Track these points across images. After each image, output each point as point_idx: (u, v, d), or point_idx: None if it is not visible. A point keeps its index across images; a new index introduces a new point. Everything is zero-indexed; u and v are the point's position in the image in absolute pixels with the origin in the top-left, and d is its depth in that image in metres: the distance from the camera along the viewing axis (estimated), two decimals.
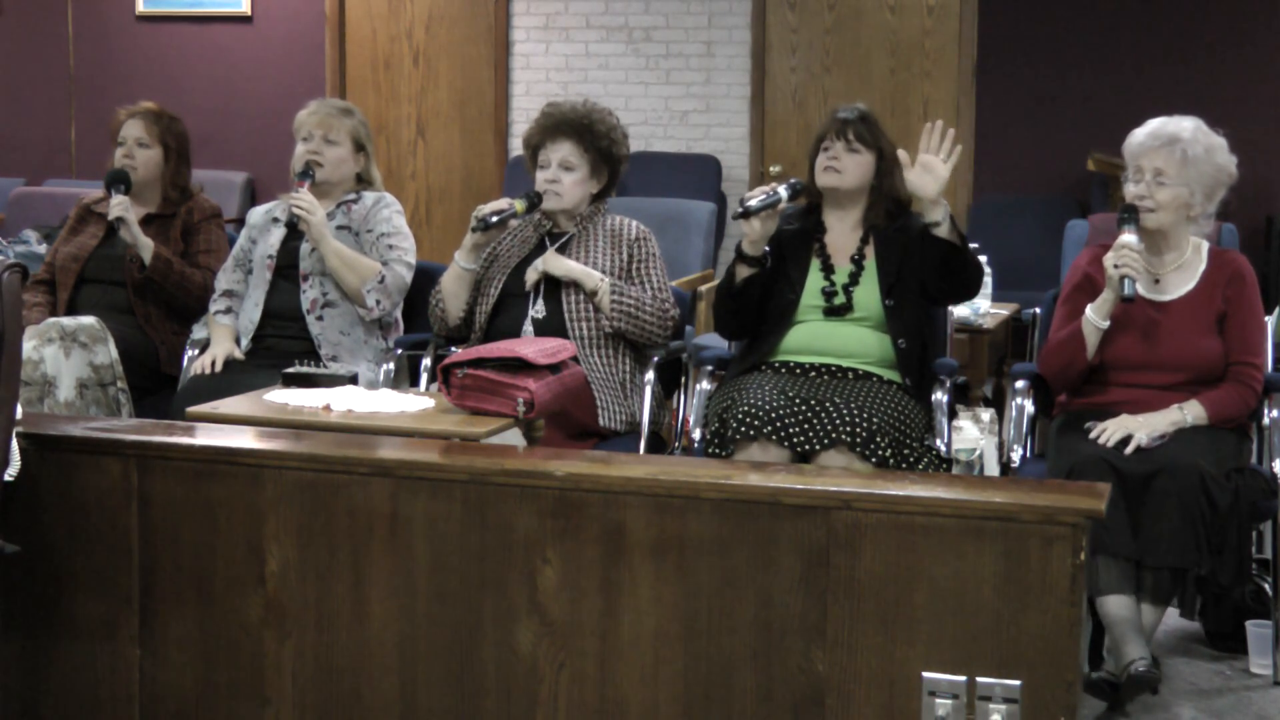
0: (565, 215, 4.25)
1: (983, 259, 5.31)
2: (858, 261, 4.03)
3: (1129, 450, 3.67)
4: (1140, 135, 3.92)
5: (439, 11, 8.68)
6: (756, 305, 4.02)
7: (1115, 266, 3.77)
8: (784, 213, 3.99)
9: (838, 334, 3.97)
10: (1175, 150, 3.86)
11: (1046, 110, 7.70)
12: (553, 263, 4.10)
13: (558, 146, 4.22)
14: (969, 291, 4.05)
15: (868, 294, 3.98)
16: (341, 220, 4.53)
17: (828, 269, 4.03)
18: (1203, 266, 3.95)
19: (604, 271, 4.14)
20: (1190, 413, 3.77)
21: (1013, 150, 7.72)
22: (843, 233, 4.08)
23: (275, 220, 4.59)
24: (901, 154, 3.86)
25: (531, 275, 4.12)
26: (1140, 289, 3.88)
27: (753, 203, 3.87)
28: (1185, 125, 3.90)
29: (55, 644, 3.11)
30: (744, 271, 3.96)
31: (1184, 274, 3.94)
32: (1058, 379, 3.98)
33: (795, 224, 4.10)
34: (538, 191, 4.24)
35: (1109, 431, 3.71)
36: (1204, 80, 7.40)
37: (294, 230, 4.48)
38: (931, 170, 3.81)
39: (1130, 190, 3.90)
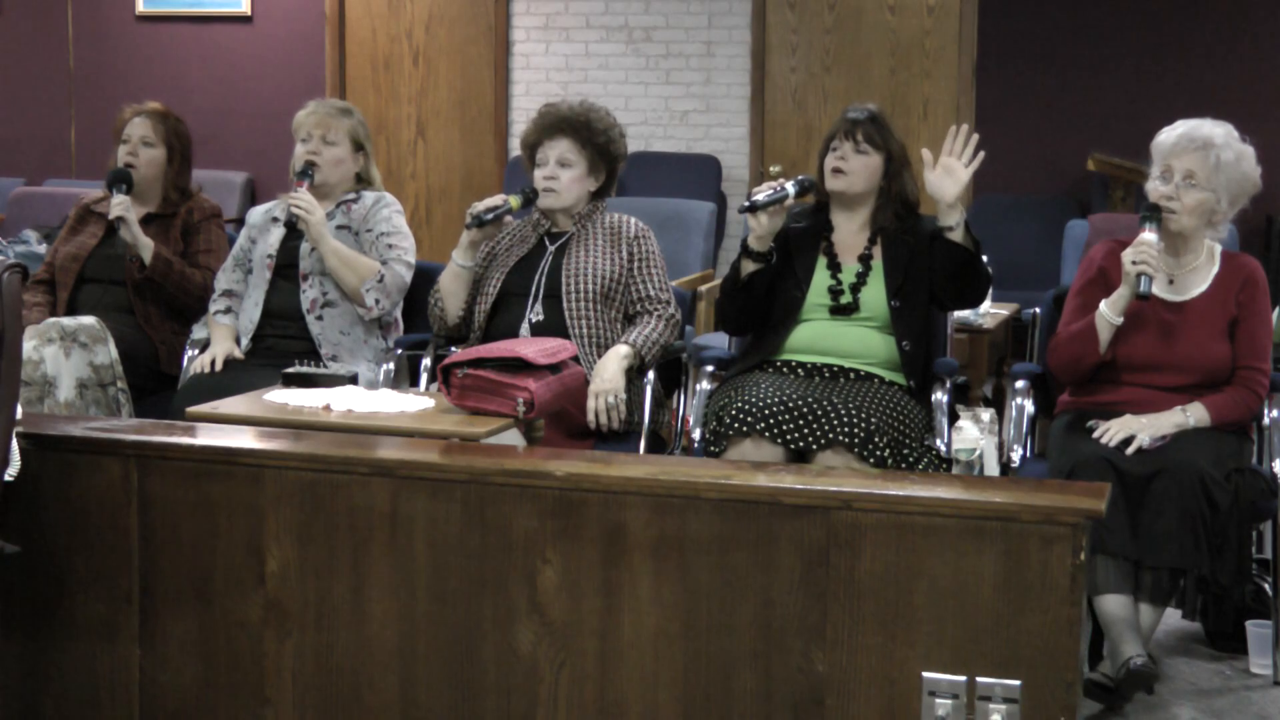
0: (564, 214, 4.25)
1: (983, 259, 5.32)
2: (865, 261, 4.03)
3: (1130, 450, 3.67)
4: (1172, 136, 3.90)
5: (439, 11, 8.68)
6: (761, 301, 4.02)
7: (1133, 263, 3.76)
8: (792, 210, 3.99)
9: (843, 334, 3.97)
10: (1209, 155, 3.85)
11: (1046, 110, 7.70)
12: (600, 388, 3.96)
13: (555, 144, 4.23)
14: (976, 299, 4.05)
15: (874, 295, 3.98)
16: (341, 220, 4.53)
17: (834, 267, 4.03)
18: (1215, 269, 3.95)
19: (604, 271, 4.14)
20: (1193, 415, 3.77)
21: (1013, 150, 7.72)
22: (850, 232, 4.08)
23: (274, 220, 4.59)
24: (925, 154, 3.86)
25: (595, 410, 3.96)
26: (1154, 289, 3.87)
27: (759, 198, 3.87)
28: (1218, 131, 3.88)
29: (55, 644, 3.11)
30: (749, 267, 3.96)
31: (1197, 276, 3.94)
32: (1065, 372, 3.97)
33: (803, 222, 4.10)
34: (533, 187, 4.24)
35: (1112, 431, 3.71)
36: (1204, 80, 7.40)
37: (293, 230, 4.48)
38: (952, 173, 3.81)
39: (1158, 189, 3.88)
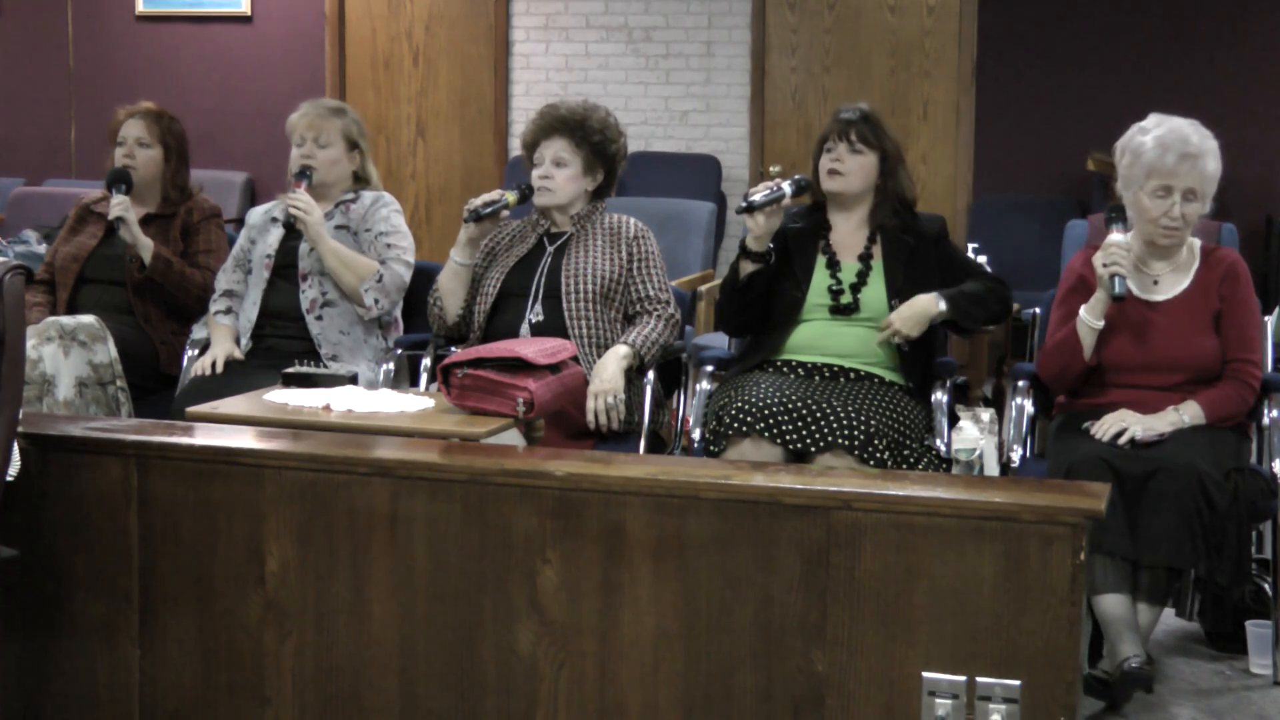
0: (561, 214, 4.25)
1: (983, 259, 5.33)
2: (865, 261, 4.03)
3: (1123, 441, 3.67)
4: (1166, 155, 3.84)
5: (439, 11, 8.68)
6: (760, 302, 4.02)
7: (1104, 265, 3.77)
8: (789, 210, 4.00)
9: (843, 334, 3.97)
10: (1205, 168, 3.83)
11: (1046, 110, 7.70)
12: (599, 389, 3.96)
13: (551, 143, 4.24)
14: (1001, 319, 4.12)
15: (874, 295, 3.99)
16: (340, 220, 4.53)
17: (834, 266, 4.04)
18: (1196, 265, 3.96)
19: (604, 271, 4.14)
20: (1187, 413, 3.77)
21: (1013, 150, 7.72)
22: (848, 231, 4.09)
23: (274, 220, 4.59)
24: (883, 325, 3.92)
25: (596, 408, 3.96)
26: (1135, 289, 3.88)
27: (756, 197, 3.88)
28: (1192, 135, 3.85)
29: (55, 644, 3.11)
30: (748, 267, 3.97)
31: (1178, 274, 3.95)
32: (1056, 381, 3.98)
33: (801, 222, 4.11)
34: (529, 184, 4.25)
35: (1106, 426, 3.72)
36: (1204, 80, 7.40)
37: (292, 230, 4.48)
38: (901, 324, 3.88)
39: (1158, 209, 3.86)
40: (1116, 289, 3.75)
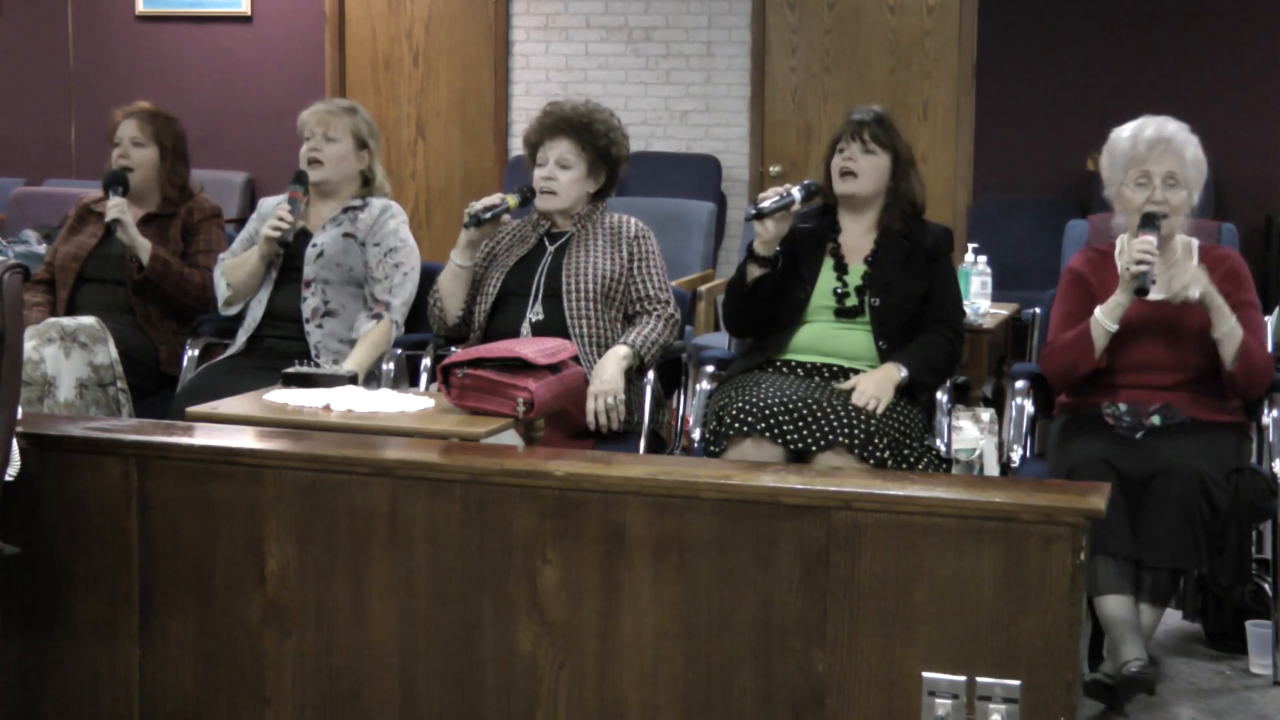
0: (563, 215, 4.25)
1: (983, 259, 5.34)
2: (871, 264, 4.03)
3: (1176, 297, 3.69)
4: (1142, 143, 3.88)
5: (439, 11, 8.68)
6: (767, 305, 4.02)
7: (1137, 263, 3.74)
8: (799, 212, 4.00)
9: (844, 336, 3.97)
10: (1183, 153, 3.86)
11: (1046, 110, 7.70)
12: (599, 389, 3.95)
13: (555, 144, 4.22)
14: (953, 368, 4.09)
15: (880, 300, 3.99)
16: (347, 228, 4.52)
17: (841, 269, 4.04)
18: (1193, 264, 3.95)
19: (604, 270, 4.14)
20: (1230, 325, 3.77)
21: (1013, 150, 7.72)
22: (857, 234, 4.08)
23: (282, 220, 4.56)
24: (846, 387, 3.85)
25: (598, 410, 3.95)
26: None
27: (766, 204, 3.87)
28: (1170, 124, 3.90)
29: (55, 644, 3.11)
30: (755, 271, 3.96)
31: (1178, 272, 3.94)
32: (1060, 380, 3.97)
33: (810, 223, 4.11)
34: (531, 187, 4.24)
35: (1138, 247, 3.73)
36: (1203, 80, 7.40)
37: (301, 233, 4.46)
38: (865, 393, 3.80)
39: (1140, 196, 3.87)
40: (1143, 282, 3.74)
